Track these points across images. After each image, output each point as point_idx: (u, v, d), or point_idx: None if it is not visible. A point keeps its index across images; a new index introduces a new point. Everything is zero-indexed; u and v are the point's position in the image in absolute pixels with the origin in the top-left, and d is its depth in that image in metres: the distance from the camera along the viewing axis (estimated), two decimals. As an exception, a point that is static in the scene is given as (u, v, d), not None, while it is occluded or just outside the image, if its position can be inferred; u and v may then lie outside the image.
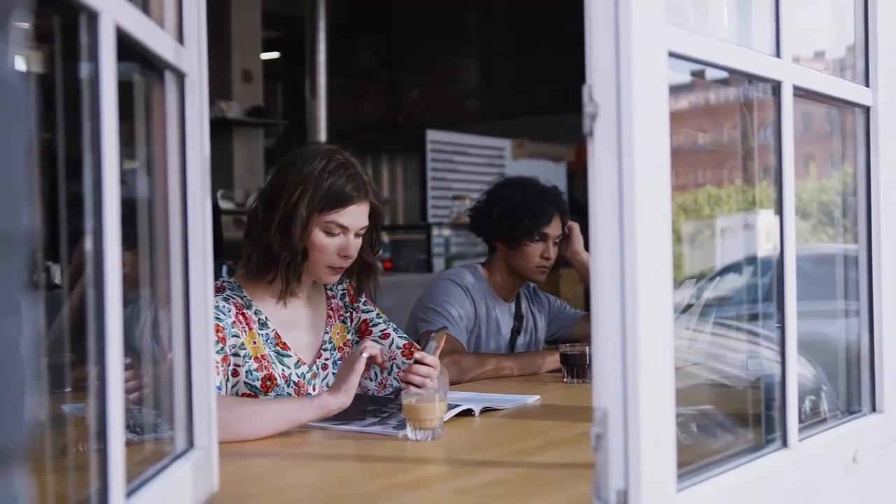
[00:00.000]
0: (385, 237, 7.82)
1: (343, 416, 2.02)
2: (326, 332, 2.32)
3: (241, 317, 2.16)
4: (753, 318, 1.89)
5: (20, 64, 0.61)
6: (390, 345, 2.32)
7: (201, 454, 1.35)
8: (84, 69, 0.99)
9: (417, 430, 1.85)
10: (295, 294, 2.24)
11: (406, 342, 2.34)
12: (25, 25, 0.63)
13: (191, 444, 1.35)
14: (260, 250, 2.17)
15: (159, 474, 1.21)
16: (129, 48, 1.10)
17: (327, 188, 2.12)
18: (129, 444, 1.06)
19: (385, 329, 2.37)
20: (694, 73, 1.46)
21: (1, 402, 0.55)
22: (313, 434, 1.97)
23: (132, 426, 1.30)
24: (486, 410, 2.15)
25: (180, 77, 1.33)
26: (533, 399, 2.33)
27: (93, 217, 0.99)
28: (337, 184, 2.13)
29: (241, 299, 2.19)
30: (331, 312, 2.34)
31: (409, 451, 1.79)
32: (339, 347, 2.33)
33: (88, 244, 0.99)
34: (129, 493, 1.07)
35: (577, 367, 2.62)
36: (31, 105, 0.60)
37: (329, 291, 2.37)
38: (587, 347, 2.64)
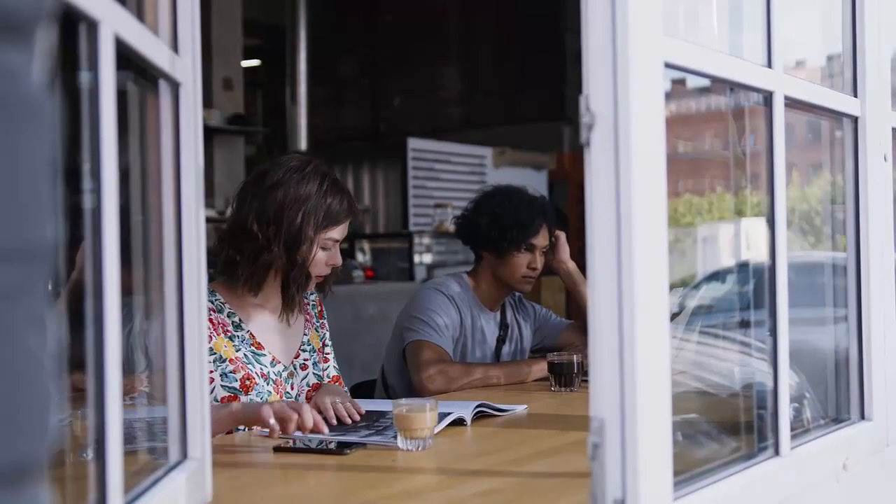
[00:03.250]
0: (366, 245, 7.81)
1: (337, 429, 2.02)
2: (305, 334, 2.40)
3: (208, 321, 2.18)
4: (739, 326, 1.89)
5: (45, 76, 0.61)
6: (325, 370, 2.44)
7: (195, 465, 1.34)
8: (83, 77, 0.99)
9: (408, 439, 1.84)
10: (302, 309, 2.37)
11: (336, 374, 2.47)
12: (50, 37, 0.63)
13: (184, 455, 1.35)
14: (260, 268, 2.23)
15: (155, 485, 1.20)
16: (124, 57, 1.10)
17: (328, 208, 2.25)
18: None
19: (328, 354, 2.49)
20: (675, 81, 1.47)
21: (26, 415, 0.54)
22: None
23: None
24: (478, 416, 2.16)
25: (175, 86, 1.32)
26: (521, 408, 2.33)
27: (92, 225, 0.98)
28: (335, 203, 2.26)
29: (212, 303, 2.24)
30: (308, 317, 2.44)
31: (400, 461, 1.78)
32: (319, 350, 2.43)
33: (88, 254, 0.98)
34: (126, 505, 1.06)
35: (565, 376, 2.62)
36: (56, 118, 0.60)
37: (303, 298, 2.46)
38: (574, 356, 2.64)
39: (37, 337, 0.56)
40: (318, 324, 2.48)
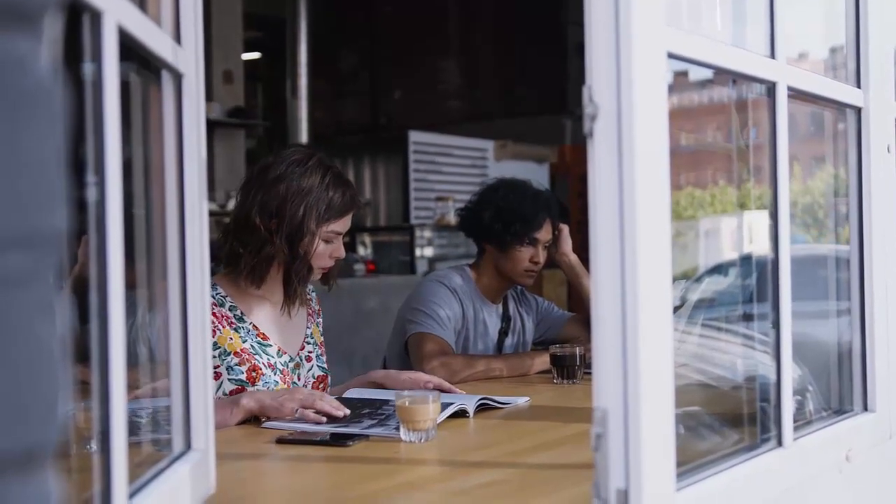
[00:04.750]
0: (367, 239, 7.82)
1: (339, 419, 2.02)
2: (308, 328, 2.43)
3: (212, 316, 2.21)
4: (742, 319, 1.90)
5: (54, 64, 0.61)
6: (309, 370, 2.41)
7: (199, 456, 1.34)
8: (87, 69, 0.99)
9: (410, 431, 1.85)
10: (304, 301, 2.39)
11: (321, 374, 2.45)
12: (58, 25, 0.63)
13: (188, 445, 1.35)
14: (262, 260, 2.24)
15: (158, 476, 1.20)
16: (127, 48, 1.09)
17: (330, 201, 2.25)
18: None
19: (321, 352, 2.48)
20: (677, 73, 1.47)
21: (36, 401, 0.55)
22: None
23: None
24: (480, 409, 2.16)
25: (178, 77, 1.32)
26: (524, 400, 2.33)
27: (96, 218, 0.98)
28: (337, 196, 2.27)
29: (213, 297, 2.25)
30: (310, 311, 2.46)
31: (402, 453, 1.79)
32: (320, 344, 2.46)
33: (91, 246, 0.98)
34: (131, 496, 1.07)
35: (567, 368, 2.63)
36: (64, 106, 0.61)
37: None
38: (577, 348, 2.64)
39: (46, 324, 0.56)
40: (318, 320, 2.50)
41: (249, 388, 2.19)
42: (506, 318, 3.12)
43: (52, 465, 0.57)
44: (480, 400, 2.18)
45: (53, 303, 0.57)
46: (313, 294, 2.51)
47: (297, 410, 2.01)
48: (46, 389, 0.56)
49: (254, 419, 2.09)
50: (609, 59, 1.16)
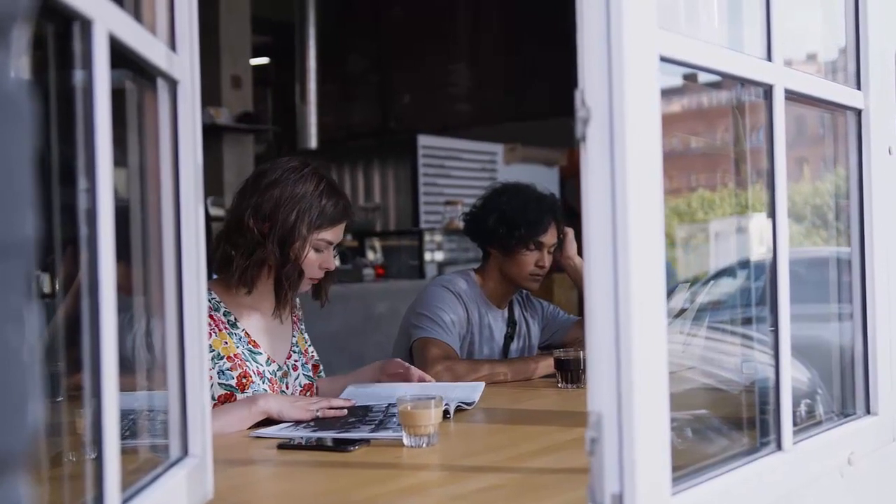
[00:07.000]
0: (377, 243, 7.82)
1: (331, 427, 2.01)
2: (293, 336, 2.45)
3: (209, 318, 2.22)
4: (747, 321, 1.89)
5: (22, 74, 0.61)
6: (296, 379, 2.42)
7: (196, 462, 1.35)
8: (77, 76, 0.99)
9: (413, 436, 1.84)
10: (293, 307, 2.38)
11: (308, 382, 2.46)
12: (27, 35, 0.63)
13: (185, 451, 1.35)
14: (254, 264, 2.26)
15: (154, 482, 1.21)
16: (121, 55, 1.10)
17: (322, 209, 2.28)
18: (122, 451, 1.06)
19: (305, 361, 2.48)
20: (686, 77, 1.47)
21: (4, 408, 0.55)
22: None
23: (124, 433, 1.30)
24: (459, 410, 2.21)
25: (173, 84, 1.32)
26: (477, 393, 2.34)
27: (87, 225, 0.98)
28: (330, 204, 2.29)
29: (209, 302, 2.26)
30: (295, 320, 2.48)
31: (404, 458, 1.79)
32: (304, 352, 2.47)
33: (83, 253, 0.98)
34: (125, 501, 1.07)
35: (571, 373, 2.62)
36: (34, 115, 0.61)
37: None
38: (581, 352, 2.64)
39: (16, 331, 0.56)
40: (302, 327, 2.52)
41: (239, 395, 2.20)
42: (511, 322, 3.12)
43: (23, 471, 0.58)
44: (458, 403, 2.22)
45: (24, 310, 0.58)
46: (297, 300, 2.53)
47: (318, 411, 2.10)
48: (16, 396, 0.56)
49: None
50: (601, 62, 1.16)
